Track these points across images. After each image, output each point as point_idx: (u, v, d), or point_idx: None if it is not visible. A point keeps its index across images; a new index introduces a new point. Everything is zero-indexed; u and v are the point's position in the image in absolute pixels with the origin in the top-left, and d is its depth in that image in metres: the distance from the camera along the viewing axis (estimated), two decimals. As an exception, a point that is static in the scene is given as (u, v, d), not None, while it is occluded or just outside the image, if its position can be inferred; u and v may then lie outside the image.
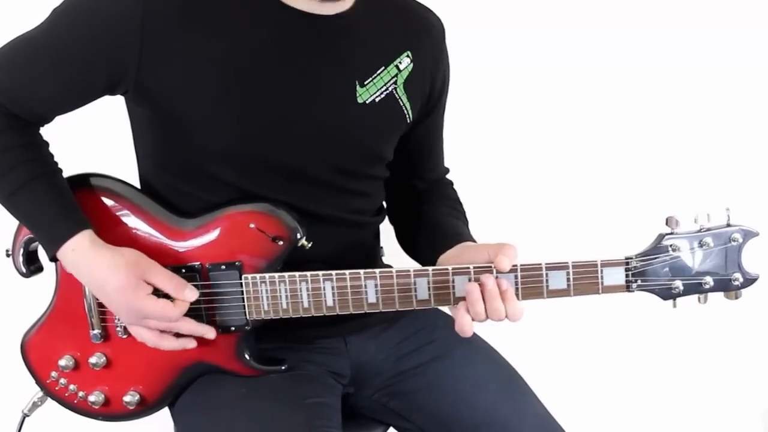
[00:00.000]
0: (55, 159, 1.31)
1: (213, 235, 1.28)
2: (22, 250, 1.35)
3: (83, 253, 1.23)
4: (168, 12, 1.21)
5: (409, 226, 1.50)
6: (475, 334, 1.46)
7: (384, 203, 1.51)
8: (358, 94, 1.31)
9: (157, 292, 1.24)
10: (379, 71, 1.32)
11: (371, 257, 1.48)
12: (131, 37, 1.20)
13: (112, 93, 1.28)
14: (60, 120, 1.32)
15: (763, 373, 2.34)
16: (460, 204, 1.51)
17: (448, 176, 1.57)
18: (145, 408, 1.36)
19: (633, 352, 2.29)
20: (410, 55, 1.35)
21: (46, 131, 1.33)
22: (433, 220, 1.42)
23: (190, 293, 1.24)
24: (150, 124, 1.31)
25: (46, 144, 1.32)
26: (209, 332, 1.27)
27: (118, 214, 1.31)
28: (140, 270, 1.23)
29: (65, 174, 1.31)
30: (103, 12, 1.21)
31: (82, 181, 1.32)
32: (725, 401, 2.34)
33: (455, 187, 1.57)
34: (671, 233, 1.16)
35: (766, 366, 2.34)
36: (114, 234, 1.28)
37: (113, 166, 1.37)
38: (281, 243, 1.26)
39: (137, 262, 1.24)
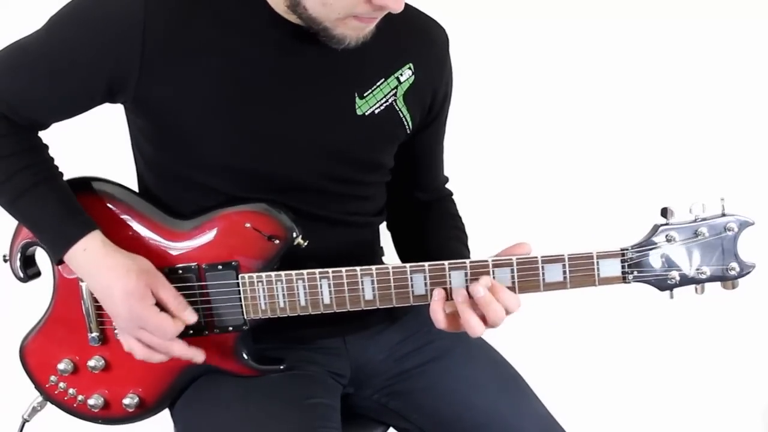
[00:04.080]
0: (56, 162, 1.31)
1: (209, 235, 1.28)
2: (19, 255, 1.35)
3: (95, 253, 1.23)
4: (168, 26, 1.20)
5: (411, 245, 1.49)
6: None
7: (385, 206, 1.49)
8: (357, 106, 1.30)
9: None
10: (378, 83, 1.31)
11: (371, 256, 1.47)
12: (132, 50, 1.19)
13: (112, 102, 1.27)
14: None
15: (763, 372, 2.35)
16: (461, 221, 1.50)
17: (448, 185, 1.56)
18: (144, 410, 1.36)
19: (633, 351, 2.30)
20: (412, 67, 1.34)
21: (45, 133, 1.33)
22: (438, 245, 1.41)
23: (190, 315, 1.25)
24: (148, 134, 1.31)
25: (46, 147, 1.32)
26: (198, 356, 1.27)
27: (114, 216, 1.31)
28: (150, 279, 1.23)
29: (64, 177, 1.31)
30: (104, 24, 1.20)
31: (79, 184, 1.32)
32: (725, 400, 2.34)
33: (453, 186, 1.56)
34: (666, 224, 1.16)
35: (766, 365, 2.34)
36: (111, 236, 1.27)
37: (111, 167, 1.37)
38: (277, 242, 1.25)
39: (148, 270, 1.24)
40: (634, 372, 2.32)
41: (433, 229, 1.46)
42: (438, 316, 1.20)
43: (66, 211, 1.25)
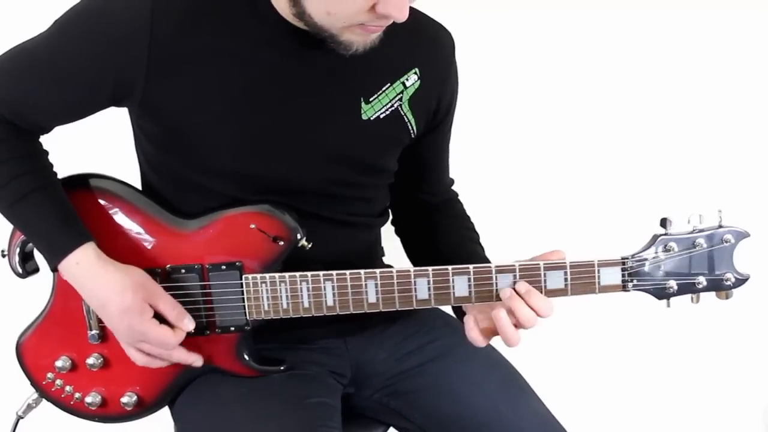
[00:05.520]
0: (55, 169, 1.35)
1: (213, 235, 1.33)
2: (18, 251, 1.39)
3: (88, 267, 1.27)
4: (175, 31, 1.24)
5: (423, 248, 1.54)
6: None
7: (388, 206, 1.54)
8: (362, 111, 1.34)
9: (157, 317, 1.29)
10: (384, 88, 1.36)
11: (372, 257, 1.52)
12: (138, 57, 1.23)
13: (117, 106, 1.32)
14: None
15: (763, 373, 2.40)
16: (471, 221, 1.55)
17: (454, 187, 1.61)
18: (142, 409, 1.40)
19: (633, 351, 2.35)
20: (418, 72, 1.38)
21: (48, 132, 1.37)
22: (452, 247, 1.46)
23: (189, 323, 1.30)
24: (152, 138, 1.35)
25: (46, 153, 1.35)
26: (197, 361, 1.34)
27: (117, 214, 1.35)
28: (146, 293, 1.28)
29: (66, 174, 1.35)
30: (110, 30, 1.24)
31: (82, 181, 1.36)
32: (725, 401, 2.39)
33: (456, 189, 1.61)
34: (665, 234, 1.22)
35: (766, 366, 2.40)
36: (114, 235, 1.33)
37: (115, 165, 1.41)
38: (282, 243, 1.31)
39: (143, 283, 1.28)
40: (634, 372, 2.36)
41: (445, 231, 1.51)
42: (473, 334, 1.28)
43: (61, 221, 1.28)
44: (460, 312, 1.38)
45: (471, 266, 1.27)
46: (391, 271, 1.29)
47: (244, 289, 1.33)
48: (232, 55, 1.27)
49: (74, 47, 1.26)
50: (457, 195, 1.61)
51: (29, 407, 1.46)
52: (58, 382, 1.41)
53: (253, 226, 1.32)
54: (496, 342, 1.49)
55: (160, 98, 1.27)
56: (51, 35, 1.29)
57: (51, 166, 1.35)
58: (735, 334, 2.36)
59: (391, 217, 1.60)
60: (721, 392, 2.40)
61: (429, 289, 1.28)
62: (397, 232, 1.61)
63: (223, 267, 1.32)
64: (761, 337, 2.38)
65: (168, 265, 1.34)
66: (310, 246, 1.32)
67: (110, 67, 1.25)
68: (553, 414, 1.45)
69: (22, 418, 1.47)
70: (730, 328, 2.33)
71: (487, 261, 1.39)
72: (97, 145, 1.85)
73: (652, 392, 2.39)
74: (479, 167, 2.11)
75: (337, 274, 1.30)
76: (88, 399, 1.40)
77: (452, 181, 1.61)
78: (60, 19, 1.29)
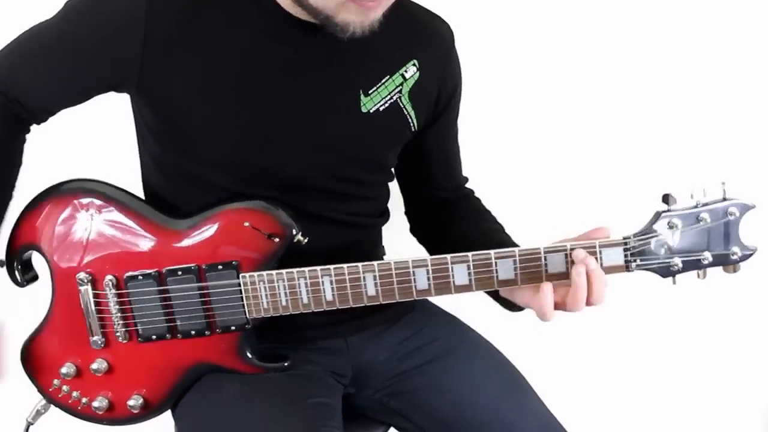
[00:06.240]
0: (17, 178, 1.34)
1: (208, 234, 1.28)
2: (15, 260, 1.35)
3: None
4: (172, 20, 1.22)
5: (445, 245, 1.45)
6: (475, 333, 1.50)
7: (388, 207, 1.50)
8: (362, 104, 1.31)
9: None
10: (384, 80, 1.32)
11: (373, 258, 1.44)
12: (133, 44, 1.21)
13: (117, 91, 1.30)
14: (63, 118, 1.35)
15: (763, 372, 2.35)
16: (492, 215, 1.50)
17: (468, 185, 1.56)
18: (149, 411, 1.36)
19: (634, 350, 2.30)
20: (417, 63, 1.35)
21: (49, 131, 1.35)
22: (478, 241, 1.38)
23: None
24: (151, 128, 1.32)
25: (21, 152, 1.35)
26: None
27: (111, 218, 1.31)
28: None
29: (61, 177, 1.32)
30: (107, 16, 1.23)
31: (76, 185, 1.32)
32: (725, 401, 2.34)
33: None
34: (668, 211, 1.17)
35: (766, 366, 2.34)
36: (109, 239, 1.29)
37: (115, 165, 1.39)
38: (277, 240, 1.26)
39: None
40: (634, 371, 2.31)
41: (465, 225, 1.46)
42: (545, 302, 1.20)
43: None
44: (503, 299, 1.31)
45: (470, 254, 1.21)
46: (389, 263, 1.24)
47: (242, 288, 1.28)
48: (230, 45, 1.24)
49: (77, 27, 1.26)
50: (473, 192, 1.56)
51: (38, 413, 1.42)
52: (65, 388, 1.36)
53: (246, 223, 1.27)
54: (497, 342, 1.48)
55: (158, 85, 1.24)
56: (59, 16, 1.29)
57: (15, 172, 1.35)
58: (735, 334, 2.30)
59: (406, 219, 1.56)
60: (721, 392, 2.35)
61: (428, 279, 1.23)
62: (412, 231, 1.57)
63: (220, 267, 1.27)
64: (761, 336, 2.32)
65: (164, 268, 1.29)
66: (306, 241, 1.27)
67: (107, 50, 1.24)
68: (555, 414, 1.41)
69: (32, 424, 1.43)
70: (730, 327, 2.28)
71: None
72: (97, 145, 1.82)
73: (652, 392, 2.35)
74: (479, 151, 2.05)
75: (334, 269, 1.25)
76: (96, 404, 1.35)
77: (466, 179, 1.56)
78: (66, 5, 1.29)
